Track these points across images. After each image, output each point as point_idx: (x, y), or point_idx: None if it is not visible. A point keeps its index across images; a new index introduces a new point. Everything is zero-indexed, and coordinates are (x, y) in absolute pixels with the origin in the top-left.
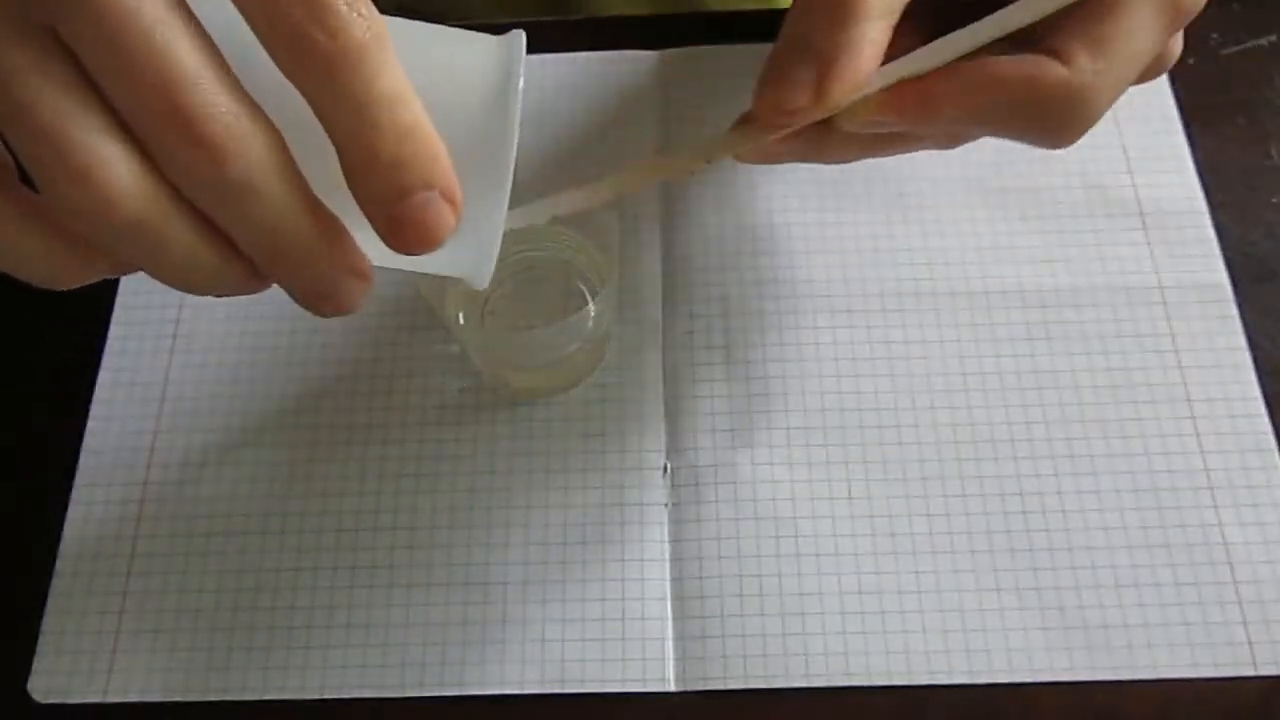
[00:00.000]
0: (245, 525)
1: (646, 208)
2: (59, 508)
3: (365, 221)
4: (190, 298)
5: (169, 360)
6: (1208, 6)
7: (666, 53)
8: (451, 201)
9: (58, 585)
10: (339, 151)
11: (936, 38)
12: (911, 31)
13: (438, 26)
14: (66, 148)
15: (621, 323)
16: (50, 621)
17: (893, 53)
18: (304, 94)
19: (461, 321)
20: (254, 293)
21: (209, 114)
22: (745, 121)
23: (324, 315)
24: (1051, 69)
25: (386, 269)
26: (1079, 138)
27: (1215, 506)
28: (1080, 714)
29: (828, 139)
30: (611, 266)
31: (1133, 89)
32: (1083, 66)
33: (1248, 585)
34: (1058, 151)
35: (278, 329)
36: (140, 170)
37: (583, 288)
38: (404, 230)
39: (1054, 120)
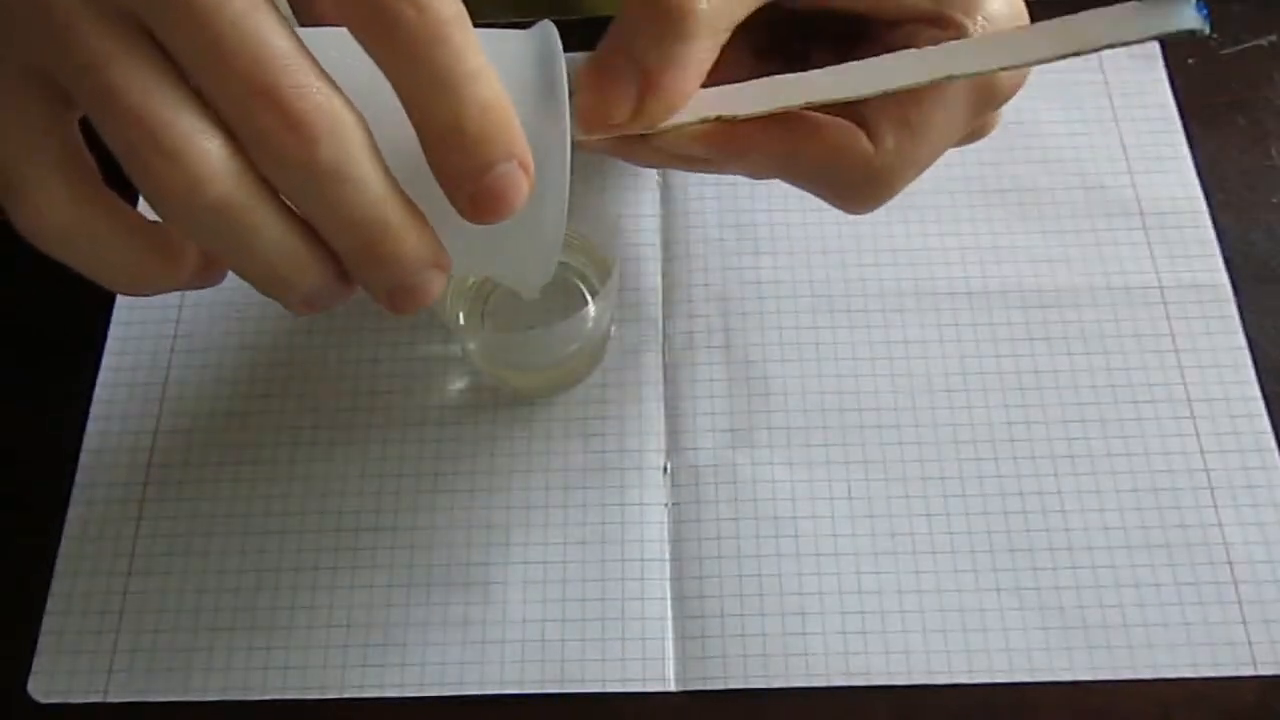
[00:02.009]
0: (245, 525)
1: (646, 207)
2: (59, 508)
3: (438, 222)
4: (190, 297)
5: (169, 360)
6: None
7: None
8: (526, 170)
9: (58, 585)
10: (423, 129)
11: (766, 51)
12: (741, 47)
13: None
14: (157, 128)
15: (621, 323)
16: (50, 621)
17: (719, 72)
18: (390, 70)
19: (461, 321)
20: (340, 300)
21: (301, 94)
22: None
23: (403, 313)
24: (858, 143)
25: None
26: (874, 209)
27: (1215, 506)
28: (1080, 714)
29: (638, 147)
30: (611, 266)
31: (1132, 90)
32: (888, 148)
33: (1248, 585)
34: (1056, 154)
35: (277, 329)
36: (230, 151)
37: (583, 288)
38: (485, 202)
39: (852, 191)
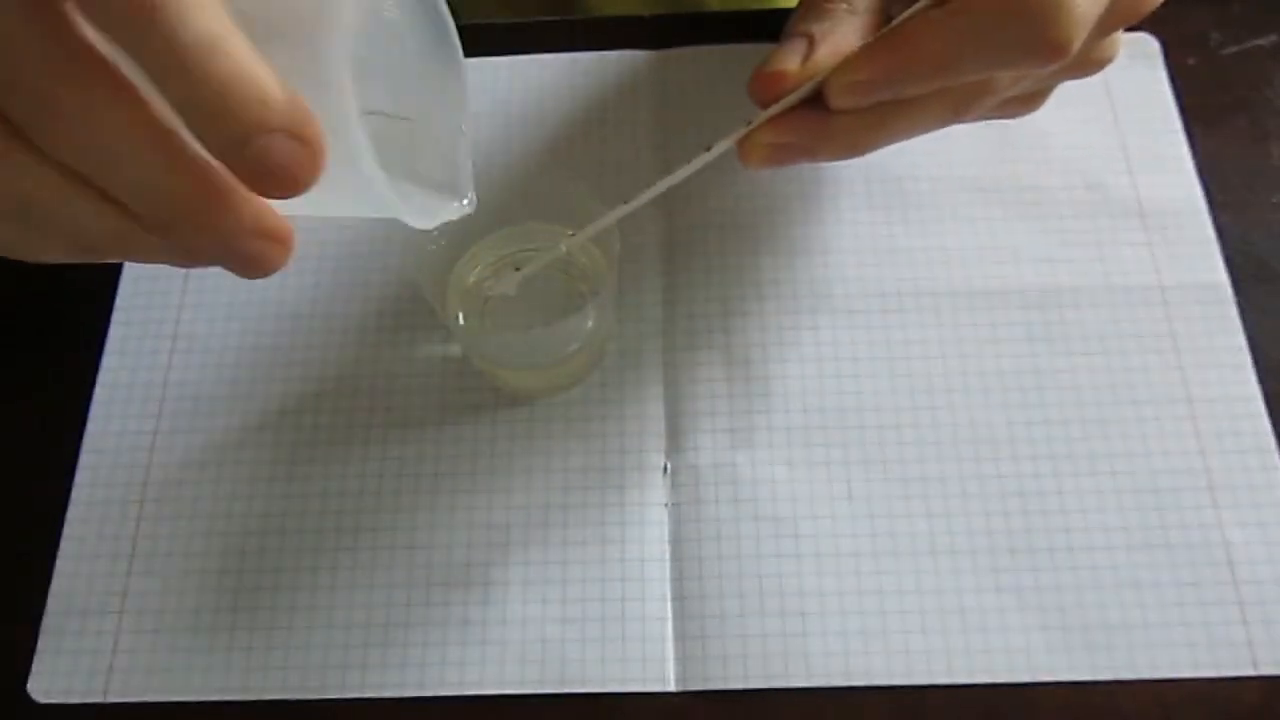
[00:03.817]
0: (245, 525)
1: (646, 207)
2: (59, 508)
3: None
4: (190, 297)
5: (169, 360)
6: (1209, 6)
7: (666, 53)
8: (300, 138)
9: (58, 585)
10: (170, 103)
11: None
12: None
13: None
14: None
15: (621, 323)
16: (50, 621)
17: None
18: (125, 50)
19: (461, 321)
20: (187, 265)
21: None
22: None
23: (251, 278)
24: None
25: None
26: (1073, 35)
27: (1215, 506)
28: (1080, 714)
29: (827, 124)
30: (611, 266)
31: (1132, 90)
32: None
33: (1248, 585)
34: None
35: (278, 329)
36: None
37: (582, 288)
38: (261, 178)
39: (1034, 12)
